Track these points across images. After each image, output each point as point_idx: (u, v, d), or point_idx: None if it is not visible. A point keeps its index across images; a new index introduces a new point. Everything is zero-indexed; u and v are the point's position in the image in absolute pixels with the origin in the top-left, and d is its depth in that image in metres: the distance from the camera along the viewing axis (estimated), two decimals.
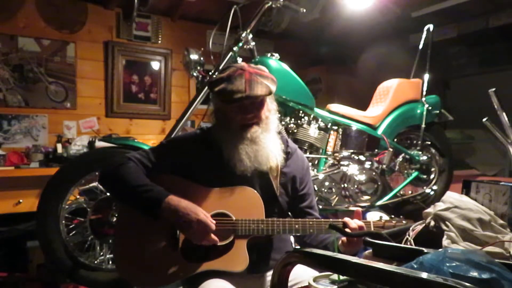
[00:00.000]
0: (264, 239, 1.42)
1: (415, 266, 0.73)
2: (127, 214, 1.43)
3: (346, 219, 1.40)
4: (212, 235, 1.29)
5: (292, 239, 1.70)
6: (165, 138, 2.19)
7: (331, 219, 1.45)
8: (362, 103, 2.82)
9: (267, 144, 1.43)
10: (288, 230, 1.39)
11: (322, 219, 1.45)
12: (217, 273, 1.34)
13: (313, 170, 2.37)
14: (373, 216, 1.51)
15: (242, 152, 1.40)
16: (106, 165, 1.45)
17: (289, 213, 1.58)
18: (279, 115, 2.26)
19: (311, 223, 1.41)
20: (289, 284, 0.86)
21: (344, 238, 1.37)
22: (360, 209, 1.47)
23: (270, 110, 1.48)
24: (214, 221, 1.31)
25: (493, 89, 1.56)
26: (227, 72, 1.41)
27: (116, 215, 2.04)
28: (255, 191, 1.41)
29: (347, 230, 1.36)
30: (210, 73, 2.23)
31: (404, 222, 1.47)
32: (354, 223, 1.38)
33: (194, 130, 1.62)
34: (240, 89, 1.34)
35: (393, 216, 1.56)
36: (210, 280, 1.32)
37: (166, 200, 1.29)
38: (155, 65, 4.06)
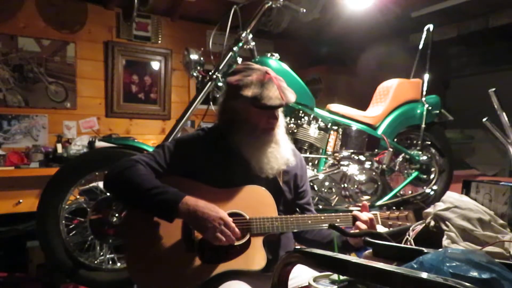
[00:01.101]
0: (274, 237, 1.43)
1: (415, 266, 0.73)
2: (134, 218, 1.40)
3: (356, 213, 1.45)
4: (231, 234, 1.29)
5: None
6: (165, 139, 2.19)
7: (341, 213, 1.48)
8: (362, 103, 2.82)
9: (286, 145, 1.49)
10: (302, 225, 1.42)
11: (333, 213, 1.49)
12: (234, 274, 1.33)
13: (313, 170, 2.37)
14: None
15: (271, 156, 1.42)
16: (112, 168, 1.40)
17: (297, 209, 1.61)
18: None
19: (323, 217, 1.44)
20: (289, 284, 0.86)
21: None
22: (366, 202, 1.50)
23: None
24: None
25: (493, 89, 1.56)
26: (254, 75, 1.39)
27: (117, 215, 2.04)
28: (265, 189, 1.42)
29: (358, 223, 1.43)
30: (210, 73, 2.23)
31: (405, 213, 1.53)
32: (365, 215, 1.44)
33: (195, 131, 1.58)
34: (277, 96, 1.37)
35: (394, 208, 1.61)
36: (229, 282, 1.31)
37: (184, 200, 1.27)
38: (155, 65, 4.06)
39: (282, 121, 1.51)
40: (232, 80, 1.41)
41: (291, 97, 1.41)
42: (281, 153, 1.45)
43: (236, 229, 1.29)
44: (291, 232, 1.52)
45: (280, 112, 1.48)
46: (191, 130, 2.44)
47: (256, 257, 1.35)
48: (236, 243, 1.32)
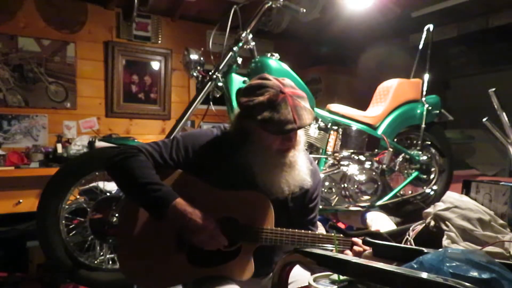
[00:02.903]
0: (266, 247, 1.38)
1: (415, 266, 0.73)
2: (131, 214, 1.39)
3: (356, 240, 1.35)
4: (218, 241, 1.27)
5: None
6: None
7: (342, 235, 1.38)
8: (362, 103, 2.81)
9: (302, 167, 1.38)
10: (297, 242, 1.35)
11: (333, 234, 1.41)
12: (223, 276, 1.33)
13: None
14: (374, 216, 1.51)
15: (283, 180, 1.34)
16: (116, 152, 1.35)
17: (301, 226, 1.50)
18: None
19: (321, 237, 1.37)
20: (289, 284, 0.86)
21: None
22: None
23: None
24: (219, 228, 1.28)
25: (493, 89, 1.56)
26: (266, 95, 1.27)
27: (118, 215, 2.04)
28: (267, 198, 1.35)
29: (355, 247, 1.33)
30: (210, 73, 2.23)
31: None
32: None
33: (212, 127, 1.49)
34: (290, 120, 1.24)
35: None
36: (219, 281, 1.31)
37: (174, 202, 1.25)
38: (155, 65, 4.06)
39: (302, 138, 1.40)
40: (242, 101, 1.31)
41: (307, 118, 1.27)
42: (295, 176, 1.35)
43: (223, 239, 1.27)
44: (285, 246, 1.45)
45: (299, 130, 1.35)
46: (191, 130, 2.43)
47: (243, 267, 1.32)
48: (225, 250, 1.31)
